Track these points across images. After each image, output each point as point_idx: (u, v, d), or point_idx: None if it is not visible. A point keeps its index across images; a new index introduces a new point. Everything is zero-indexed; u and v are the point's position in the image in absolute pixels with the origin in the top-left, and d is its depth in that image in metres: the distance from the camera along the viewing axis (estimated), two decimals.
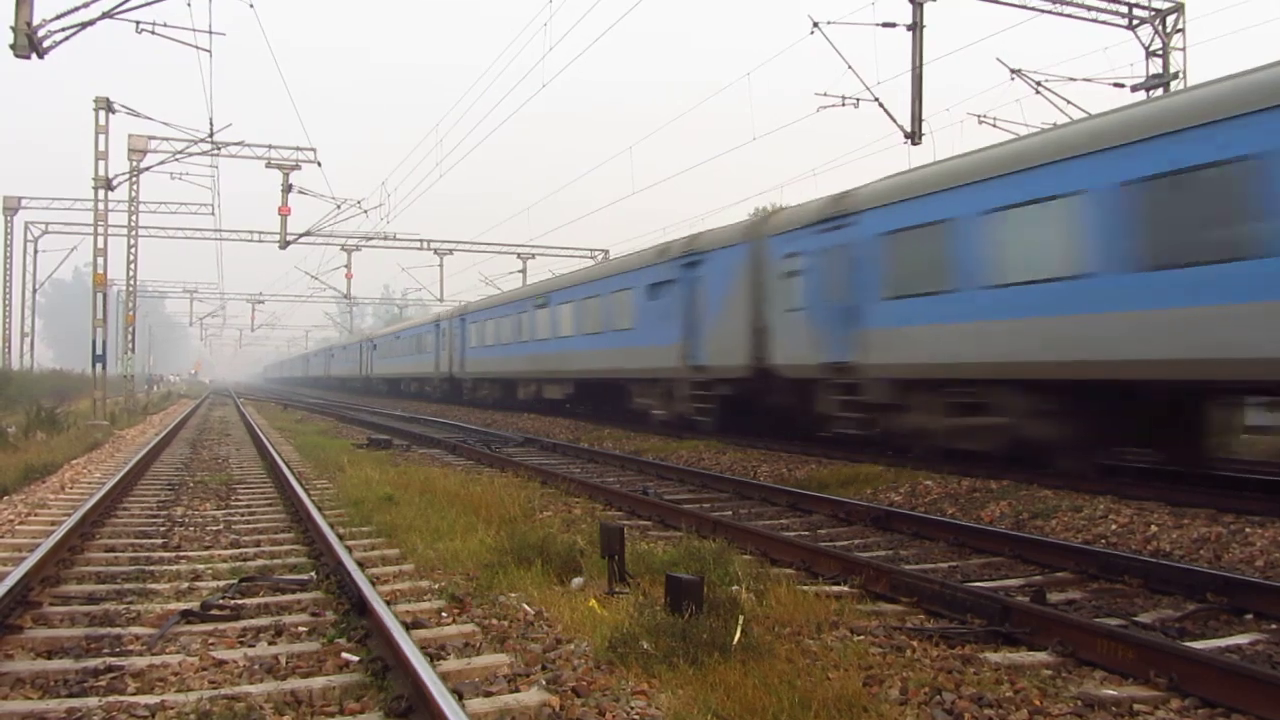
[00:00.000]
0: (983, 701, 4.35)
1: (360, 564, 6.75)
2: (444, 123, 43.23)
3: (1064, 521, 9.06)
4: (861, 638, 5.38)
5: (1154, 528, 8.45)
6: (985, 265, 11.40)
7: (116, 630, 5.48)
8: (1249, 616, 5.93)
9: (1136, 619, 5.87)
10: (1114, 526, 8.68)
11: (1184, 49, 20.79)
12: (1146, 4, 20.90)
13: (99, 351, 27.08)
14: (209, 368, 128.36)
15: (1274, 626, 5.71)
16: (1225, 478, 10.85)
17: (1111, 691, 4.50)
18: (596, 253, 46.27)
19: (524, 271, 49.12)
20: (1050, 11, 20.50)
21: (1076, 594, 6.63)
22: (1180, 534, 8.20)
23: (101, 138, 26.03)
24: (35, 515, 9.85)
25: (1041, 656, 5.06)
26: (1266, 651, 5.24)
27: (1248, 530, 7.99)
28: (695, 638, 4.80)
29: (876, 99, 19.81)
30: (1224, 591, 6.18)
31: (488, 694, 4.42)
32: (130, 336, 34.45)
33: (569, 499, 11.29)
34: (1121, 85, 20.66)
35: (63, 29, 15.41)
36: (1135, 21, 20.99)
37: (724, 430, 17.79)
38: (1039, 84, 20.54)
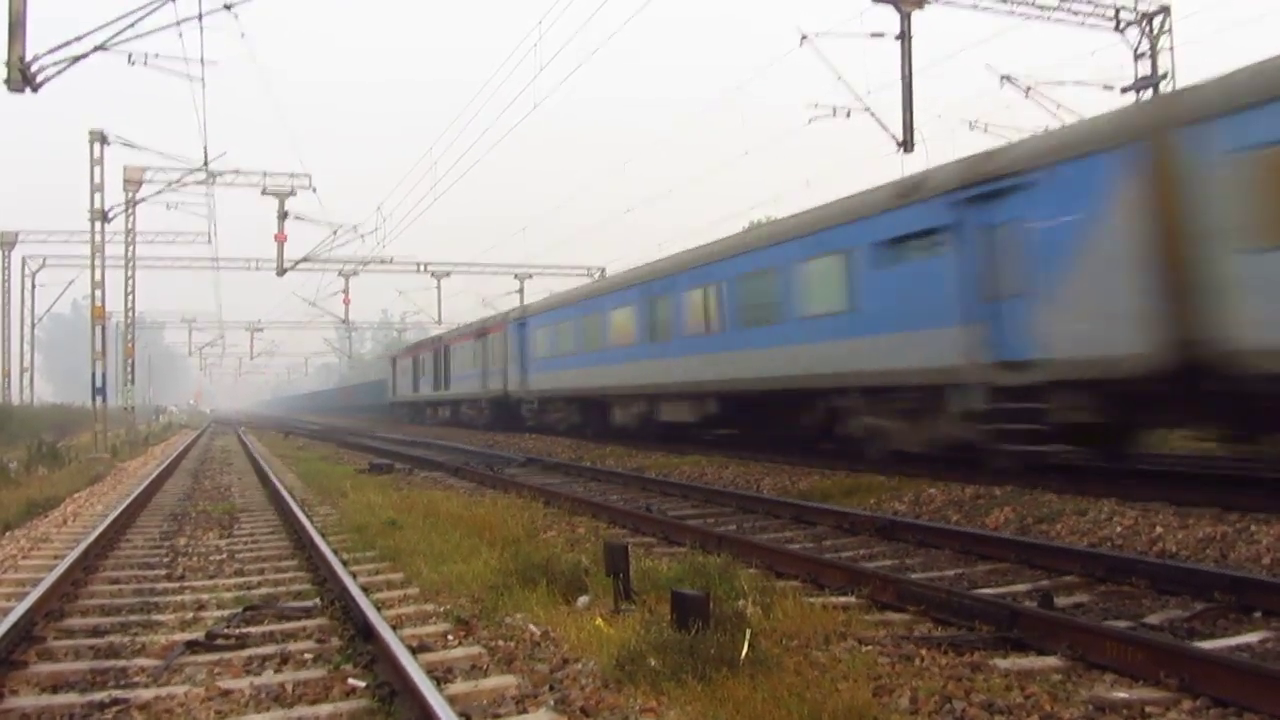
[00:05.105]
0: (993, 708, 4.33)
1: (365, 589, 6.73)
2: (438, 146, 43.52)
3: (1069, 525, 9.03)
4: (870, 648, 5.35)
5: (1159, 529, 8.43)
6: None
7: (122, 663, 5.45)
8: (1257, 614, 5.91)
9: (1145, 620, 5.85)
10: (1119, 529, 8.65)
11: (1171, 49, 20.91)
12: (1133, 6, 21.02)
13: (99, 384, 27.06)
14: (209, 397, 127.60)
15: None
16: (1229, 476, 10.83)
17: (1122, 694, 4.48)
18: (593, 270, 46.35)
19: (521, 291, 49.20)
20: (1038, 16, 20.62)
21: (1084, 597, 6.61)
22: (1186, 534, 8.18)
23: (96, 170, 26.01)
24: (38, 550, 9.82)
25: (1051, 661, 5.05)
26: (1276, 649, 5.22)
27: (1253, 528, 7.97)
28: (703, 653, 4.77)
29: (868, 109, 19.90)
30: (1232, 590, 6.16)
31: (496, 716, 4.41)
32: (130, 368, 34.49)
33: (573, 518, 11.27)
34: (1111, 88, 20.77)
35: (55, 63, 15.45)
36: (1122, 25, 21.11)
37: None
38: (1028, 89, 20.66)
